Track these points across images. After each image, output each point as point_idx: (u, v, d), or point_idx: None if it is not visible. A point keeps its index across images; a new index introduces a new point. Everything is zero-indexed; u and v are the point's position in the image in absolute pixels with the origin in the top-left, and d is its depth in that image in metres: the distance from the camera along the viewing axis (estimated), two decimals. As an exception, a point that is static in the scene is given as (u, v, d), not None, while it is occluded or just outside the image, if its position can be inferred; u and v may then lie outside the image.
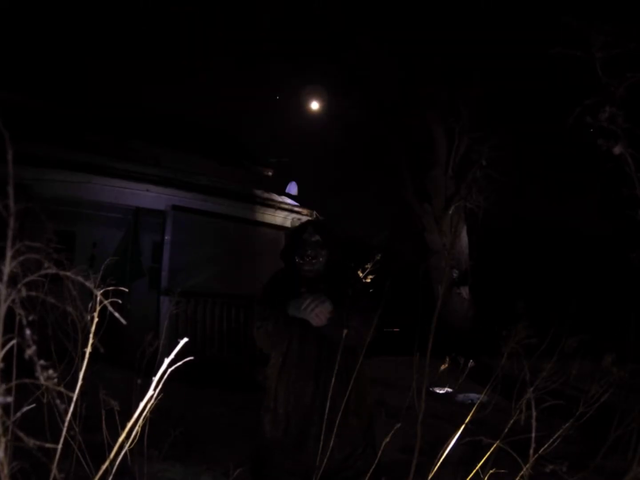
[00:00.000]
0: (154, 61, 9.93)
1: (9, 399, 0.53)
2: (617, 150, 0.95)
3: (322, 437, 1.58)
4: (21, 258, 0.58)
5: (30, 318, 0.56)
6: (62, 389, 0.63)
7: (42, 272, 0.65)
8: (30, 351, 0.53)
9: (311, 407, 1.96)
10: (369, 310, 1.94)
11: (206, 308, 7.04)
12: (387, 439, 1.40)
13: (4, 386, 0.52)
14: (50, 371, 0.53)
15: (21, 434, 0.56)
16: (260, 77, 10.92)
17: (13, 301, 0.58)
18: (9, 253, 0.56)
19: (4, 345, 0.56)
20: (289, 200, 9.00)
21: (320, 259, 2.14)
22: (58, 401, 0.64)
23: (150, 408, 1.09)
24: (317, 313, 1.91)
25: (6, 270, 0.55)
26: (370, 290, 2.07)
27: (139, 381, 1.51)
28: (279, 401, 2.03)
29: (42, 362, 0.53)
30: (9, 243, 0.56)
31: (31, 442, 0.56)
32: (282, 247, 2.39)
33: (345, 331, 1.64)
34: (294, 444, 1.96)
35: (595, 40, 1.02)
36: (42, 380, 0.53)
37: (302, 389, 1.99)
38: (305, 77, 11.11)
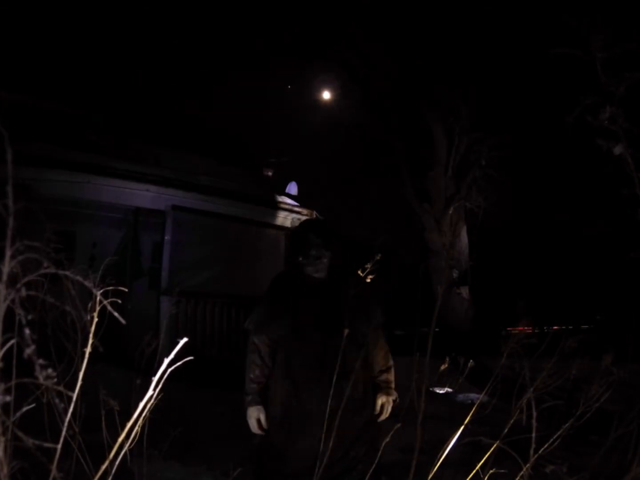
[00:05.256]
0: (153, 61, 9.94)
1: (8, 398, 0.53)
2: (617, 150, 0.95)
3: (324, 439, 1.58)
4: (20, 258, 0.58)
5: (30, 317, 0.56)
6: (61, 389, 0.63)
7: (42, 271, 0.65)
8: (29, 350, 0.53)
9: (315, 410, 1.93)
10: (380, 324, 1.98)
11: (206, 308, 7.04)
12: (387, 439, 1.40)
13: (3, 385, 0.52)
14: (50, 370, 0.53)
15: (21, 434, 0.56)
16: (260, 77, 10.92)
17: (12, 301, 0.58)
18: (8, 252, 0.56)
19: (3, 345, 0.56)
20: (289, 200, 9.00)
21: (324, 259, 2.12)
22: (57, 401, 0.64)
23: (150, 408, 1.09)
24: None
25: (5, 269, 0.55)
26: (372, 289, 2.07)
27: (138, 381, 1.51)
28: (276, 406, 2.02)
29: (41, 361, 0.53)
30: (8, 243, 0.56)
31: (30, 441, 0.56)
32: (285, 248, 2.40)
33: (346, 331, 1.63)
34: (297, 447, 1.95)
35: (595, 40, 1.01)
36: (41, 379, 0.53)
37: (308, 392, 1.97)
38: (305, 77, 11.11)
